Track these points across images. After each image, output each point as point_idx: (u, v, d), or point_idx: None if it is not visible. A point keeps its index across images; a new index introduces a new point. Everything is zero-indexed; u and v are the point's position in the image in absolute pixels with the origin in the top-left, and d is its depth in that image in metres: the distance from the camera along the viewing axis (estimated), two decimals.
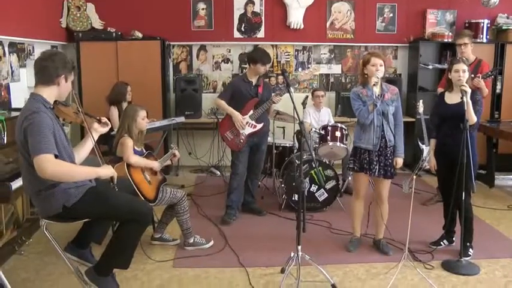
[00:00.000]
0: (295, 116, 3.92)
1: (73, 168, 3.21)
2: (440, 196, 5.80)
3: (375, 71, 4.27)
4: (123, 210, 3.40)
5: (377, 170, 4.37)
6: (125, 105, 5.99)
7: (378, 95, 4.23)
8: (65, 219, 3.40)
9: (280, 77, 7.76)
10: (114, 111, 5.96)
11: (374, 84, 4.24)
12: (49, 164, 3.00)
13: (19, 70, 5.64)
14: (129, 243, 3.46)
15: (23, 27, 5.64)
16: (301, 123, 3.82)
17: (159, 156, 5.01)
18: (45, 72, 3.22)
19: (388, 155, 4.40)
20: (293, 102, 3.96)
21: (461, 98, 4.19)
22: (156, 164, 4.50)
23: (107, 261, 3.46)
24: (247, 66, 5.68)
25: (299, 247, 3.84)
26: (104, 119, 3.63)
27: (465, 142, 4.09)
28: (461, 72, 4.33)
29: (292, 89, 4.37)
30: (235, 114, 5.27)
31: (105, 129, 3.62)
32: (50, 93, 3.25)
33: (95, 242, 3.92)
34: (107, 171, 3.35)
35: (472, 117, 4.21)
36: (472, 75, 5.09)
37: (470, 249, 4.47)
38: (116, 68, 6.95)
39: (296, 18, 7.54)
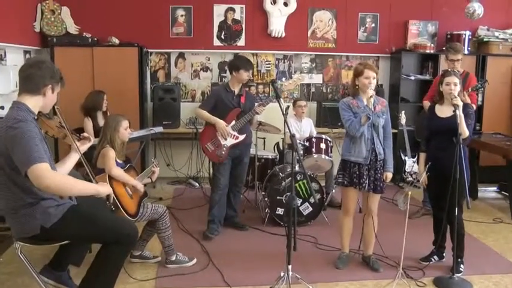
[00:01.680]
0: (286, 128, 3.75)
1: (72, 180, 2.97)
2: (426, 209, 5.76)
3: (368, 84, 4.15)
4: (107, 231, 3.16)
5: (367, 185, 4.24)
6: (99, 114, 5.76)
7: (372, 106, 4.12)
8: (42, 241, 3.15)
9: (261, 87, 7.61)
10: (88, 123, 5.69)
11: (371, 96, 4.11)
12: (48, 174, 2.78)
13: None
14: (113, 267, 3.21)
15: None
16: (292, 135, 3.65)
17: (137, 167, 4.77)
18: (31, 81, 2.99)
19: (378, 168, 4.27)
20: (283, 114, 3.81)
21: (454, 111, 4.09)
22: (138, 184, 4.22)
23: (89, 286, 3.20)
24: (228, 74, 5.51)
25: (289, 266, 3.67)
26: (85, 135, 3.41)
27: (458, 157, 3.99)
28: (453, 85, 4.24)
29: (282, 100, 4.19)
30: (219, 122, 5.07)
31: (86, 146, 3.39)
32: (35, 104, 3.02)
33: (74, 264, 3.66)
34: (105, 188, 3.15)
35: (464, 131, 4.11)
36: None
37: (462, 265, 4.37)
38: (92, 75, 6.69)
39: (277, 26, 7.40)
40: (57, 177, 2.86)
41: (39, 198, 3.00)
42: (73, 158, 3.30)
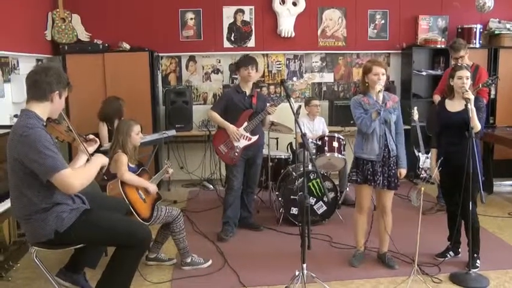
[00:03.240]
0: (297, 128, 3.76)
1: (87, 170, 3.12)
2: (440, 205, 5.73)
3: (377, 80, 4.14)
4: (121, 235, 3.20)
5: (381, 181, 4.23)
6: (117, 121, 5.78)
7: (382, 103, 4.11)
8: (57, 246, 3.19)
9: (272, 87, 7.62)
10: (103, 128, 5.75)
11: (379, 91, 4.10)
12: (72, 179, 2.92)
13: (3, 85, 5.42)
14: (128, 269, 3.24)
15: (6, 41, 5.42)
16: (304, 135, 3.65)
17: (151, 171, 4.81)
18: (39, 88, 3.02)
19: (392, 165, 4.26)
20: (294, 114, 3.81)
21: (465, 105, 4.07)
22: (151, 186, 4.28)
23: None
24: (238, 76, 5.53)
25: (304, 265, 3.67)
26: (91, 137, 3.45)
27: (471, 151, 3.96)
28: (465, 79, 4.22)
29: (292, 100, 4.20)
30: (230, 126, 5.10)
31: (93, 148, 3.43)
32: (43, 110, 3.05)
33: (89, 266, 3.71)
34: (103, 159, 3.27)
35: (476, 125, 4.08)
36: (471, 82, 4.99)
37: (478, 261, 4.34)
38: (103, 81, 6.75)
39: (287, 26, 7.40)
40: (79, 178, 2.98)
41: (52, 204, 3.05)
42: (81, 160, 3.33)
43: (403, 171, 4.31)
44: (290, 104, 3.90)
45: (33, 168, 2.88)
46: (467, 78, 4.22)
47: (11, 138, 2.98)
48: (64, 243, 3.19)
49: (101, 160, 3.24)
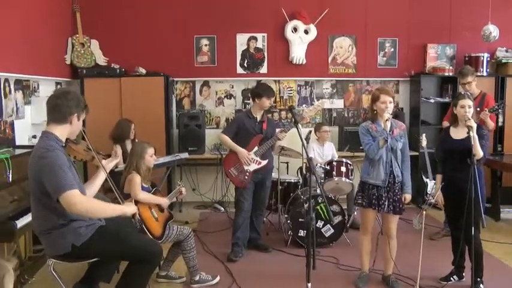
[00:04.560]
0: (304, 153, 3.89)
1: (99, 204, 3.26)
2: (447, 230, 5.80)
3: (384, 108, 4.28)
4: (134, 249, 3.37)
5: (386, 206, 4.35)
6: (128, 142, 5.97)
7: (389, 131, 4.25)
8: (74, 259, 3.38)
9: (283, 113, 7.80)
10: (119, 149, 5.94)
11: (387, 120, 4.24)
12: (77, 200, 3.06)
13: (24, 107, 5.65)
14: (139, 283, 3.41)
15: (28, 65, 5.68)
16: (310, 159, 3.79)
17: (163, 192, 4.98)
18: (59, 111, 3.23)
19: (397, 190, 4.39)
20: (301, 139, 3.94)
21: (468, 133, 4.19)
22: (164, 201, 4.48)
23: None
24: (250, 102, 5.69)
25: (309, 284, 3.78)
26: (112, 153, 3.64)
27: (473, 177, 4.07)
28: (467, 108, 4.34)
29: (300, 126, 4.36)
30: (241, 150, 5.25)
31: (113, 163, 3.61)
32: (62, 132, 3.26)
33: (104, 280, 3.86)
34: (131, 208, 3.40)
35: (478, 152, 4.19)
36: (478, 109, 5.12)
37: (481, 285, 4.41)
38: (120, 104, 6.97)
39: (298, 53, 7.61)
40: (87, 203, 3.13)
41: (69, 220, 3.24)
42: (100, 177, 3.53)
43: (408, 197, 4.43)
44: (298, 130, 4.04)
45: (47, 187, 3.08)
46: (470, 107, 4.34)
47: (31, 159, 3.19)
48: (80, 256, 3.37)
49: (125, 209, 3.38)
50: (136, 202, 4.18)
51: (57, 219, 3.18)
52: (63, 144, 3.27)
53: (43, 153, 3.08)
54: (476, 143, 4.18)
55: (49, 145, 3.13)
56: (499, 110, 5.72)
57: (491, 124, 5.44)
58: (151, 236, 4.09)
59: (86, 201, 3.14)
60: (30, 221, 3.75)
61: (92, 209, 3.16)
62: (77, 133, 3.41)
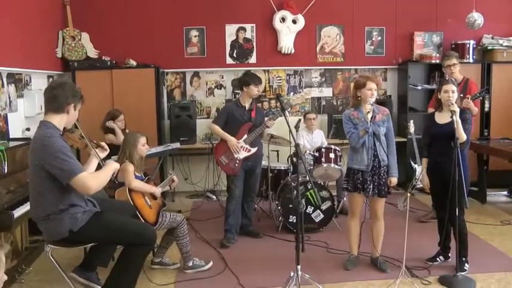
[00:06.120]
0: (291, 138, 4.01)
1: (102, 174, 3.42)
2: (435, 213, 5.94)
3: (370, 95, 4.39)
4: (129, 233, 3.50)
5: (371, 190, 4.47)
6: (118, 131, 6.09)
7: (370, 120, 4.36)
8: (71, 244, 3.51)
9: (273, 101, 7.89)
10: (111, 136, 6.03)
11: (368, 112, 4.36)
12: (90, 181, 3.23)
13: (16, 100, 5.71)
14: (135, 266, 3.54)
15: (20, 58, 5.74)
16: (297, 145, 3.91)
17: (156, 182, 5.09)
18: (56, 101, 3.34)
19: (382, 174, 4.50)
20: (288, 126, 4.06)
21: (451, 117, 4.31)
22: (157, 190, 4.59)
23: (113, 284, 3.53)
24: (239, 91, 5.79)
25: (298, 266, 3.91)
26: (102, 143, 3.74)
27: (456, 160, 4.20)
28: (451, 93, 4.46)
29: (287, 113, 4.47)
30: (230, 138, 5.36)
31: (103, 154, 3.72)
32: (60, 121, 3.38)
33: (101, 265, 4.01)
34: (115, 164, 3.55)
35: (462, 136, 4.32)
36: (461, 95, 5.24)
37: (466, 264, 4.55)
38: (111, 96, 7.04)
39: (287, 43, 7.70)
40: (96, 180, 3.31)
41: (68, 205, 3.37)
42: (93, 164, 3.63)
43: (394, 180, 4.55)
44: (285, 117, 4.16)
45: (54, 173, 3.21)
46: (453, 92, 4.46)
47: (32, 146, 3.31)
48: (77, 241, 3.52)
49: (114, 166, 3.54)
50: (130, 190, 4.29)
51: (58, 204, 3.31)
52: (61, 133, 3.39)
53: (45, 141, 3.21)
54: (460, 127, 4.30)
55: (49, 133, 3.26)
56: (480, 97, 5.85)
57: (475, 109, 5.59)
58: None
59: (93, 177, 3.31)
60: (27, 211, 3.91)
61: (101, 181, 3.35)
62: (73, 122, 3.54)
